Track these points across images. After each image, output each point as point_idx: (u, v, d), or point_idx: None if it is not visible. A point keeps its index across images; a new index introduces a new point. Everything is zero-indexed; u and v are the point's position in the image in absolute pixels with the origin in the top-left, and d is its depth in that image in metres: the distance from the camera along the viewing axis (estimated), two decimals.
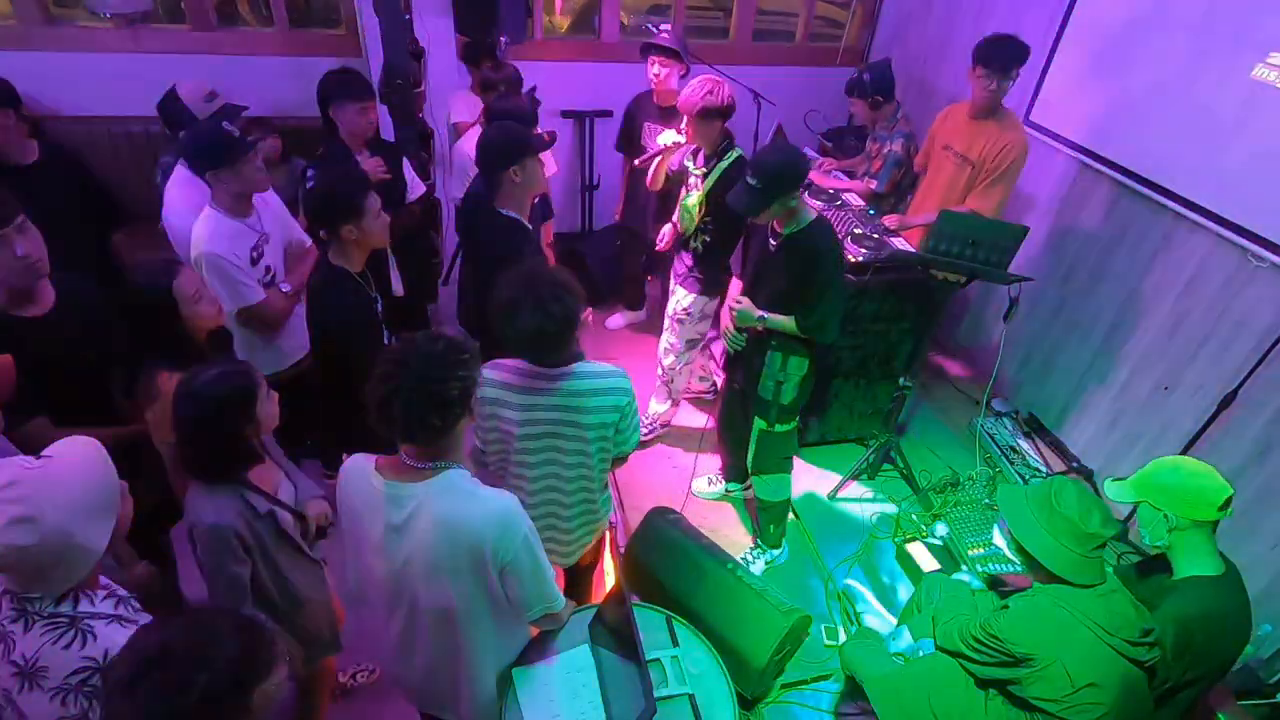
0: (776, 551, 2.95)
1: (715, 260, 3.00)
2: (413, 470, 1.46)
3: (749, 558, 2.90)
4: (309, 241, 2.67)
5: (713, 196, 2.81)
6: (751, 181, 2.22)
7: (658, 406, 3.45)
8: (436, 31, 3.76)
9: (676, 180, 3.07)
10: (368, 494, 1.50)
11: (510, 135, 2.37)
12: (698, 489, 3.26)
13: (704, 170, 2.88)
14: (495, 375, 1.85)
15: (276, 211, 2.58)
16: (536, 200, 2.82)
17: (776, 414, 2.63)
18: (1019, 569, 1.92)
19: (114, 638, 1.27)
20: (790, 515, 3.01)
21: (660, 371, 3.36)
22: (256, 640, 1.09)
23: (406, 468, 1.47)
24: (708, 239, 2.94)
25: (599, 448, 1.88)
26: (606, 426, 1.85)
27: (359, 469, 1.53)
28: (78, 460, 1.29)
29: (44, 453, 1.28)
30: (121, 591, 1.40)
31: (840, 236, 2.79)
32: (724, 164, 2.82)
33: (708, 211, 2.87)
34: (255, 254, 2.40)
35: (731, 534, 3.05)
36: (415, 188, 3.15)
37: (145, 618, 1.37)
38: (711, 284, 3.04)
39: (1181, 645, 1.78)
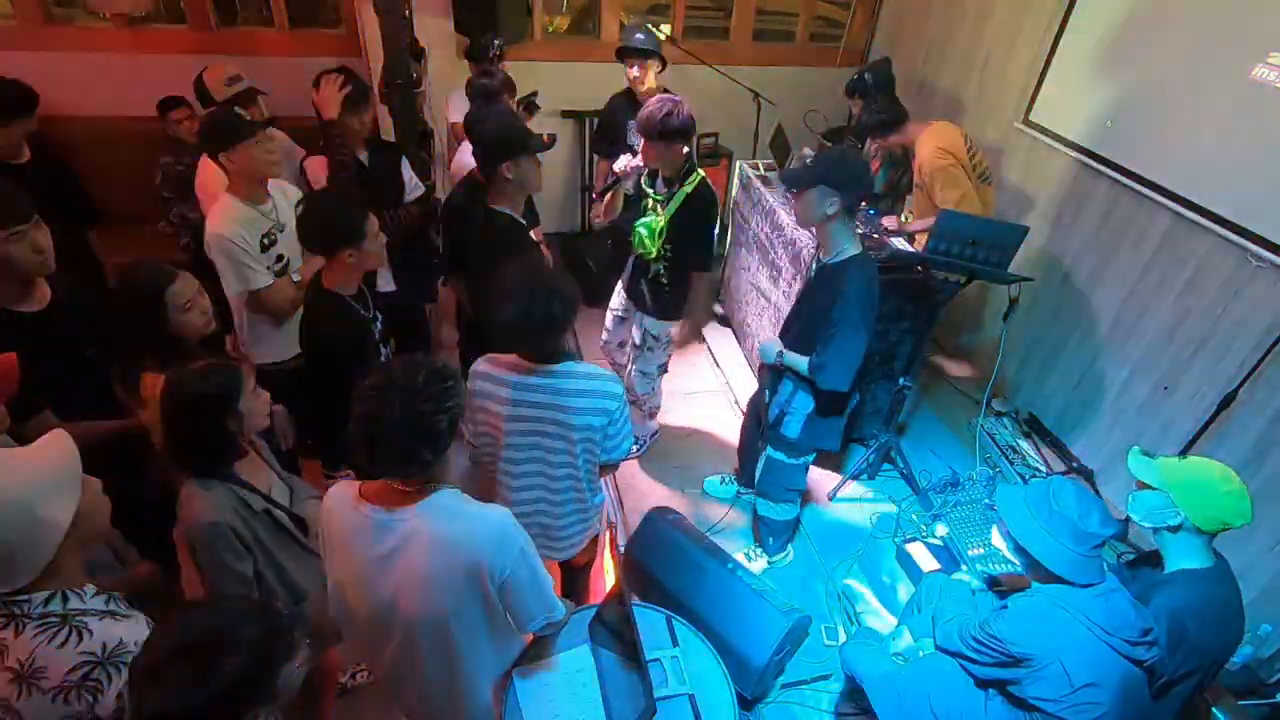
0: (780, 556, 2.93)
1: (676, 286, 2.86)
2: (401, 494, 1.41)
3: (751, 554, 2.90)
4: None
5: (674, 223, 2.65)
6: (808, 157, 2.20)
7: (641, 428, 3.38)
8: (436, 31, 3.76)
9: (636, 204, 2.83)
10: (354, 524, 1.44)
11: (506, 130, 2.30)
12: (709, 487, 3.26)
13: (664, 195, 2.69)
14: (488, 368, 1.86)
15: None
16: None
17: (781, 445, 2.57)
18: (1019, 569, 1.91)
19: (110, 631, 1.26)
20: (794, 530, 2.97)
21: (633, 397, 3.23)
22: (275, 623, 1.14)
23: (395, 492, 1.42)
24: (666, 264, 2.78)
25: (584, 449, 1.87)
26: (593, 429, 1.84)
27: (342, 500, 1.47)
28: (37, 443, 1.31)
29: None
30: (108, 592, 1.38)
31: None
32: (686, 189, 2.62)
33: (668, 239, 2.69)
34: (266, 240, 2.43)
35: (733, 534, 3.05)
36: (415, 188, 3.15)
37: (136, 613, 1.36)
38: (675, 308, 2.93)
39: (1175, 638, 1.77)
